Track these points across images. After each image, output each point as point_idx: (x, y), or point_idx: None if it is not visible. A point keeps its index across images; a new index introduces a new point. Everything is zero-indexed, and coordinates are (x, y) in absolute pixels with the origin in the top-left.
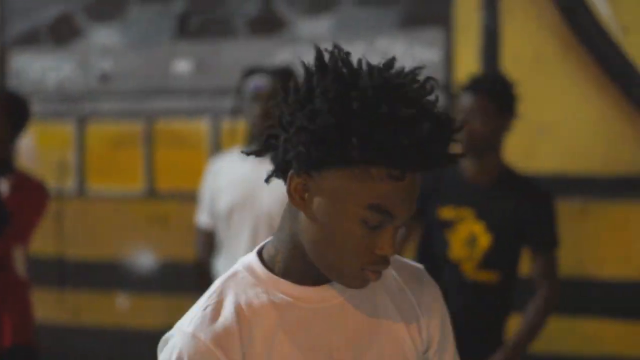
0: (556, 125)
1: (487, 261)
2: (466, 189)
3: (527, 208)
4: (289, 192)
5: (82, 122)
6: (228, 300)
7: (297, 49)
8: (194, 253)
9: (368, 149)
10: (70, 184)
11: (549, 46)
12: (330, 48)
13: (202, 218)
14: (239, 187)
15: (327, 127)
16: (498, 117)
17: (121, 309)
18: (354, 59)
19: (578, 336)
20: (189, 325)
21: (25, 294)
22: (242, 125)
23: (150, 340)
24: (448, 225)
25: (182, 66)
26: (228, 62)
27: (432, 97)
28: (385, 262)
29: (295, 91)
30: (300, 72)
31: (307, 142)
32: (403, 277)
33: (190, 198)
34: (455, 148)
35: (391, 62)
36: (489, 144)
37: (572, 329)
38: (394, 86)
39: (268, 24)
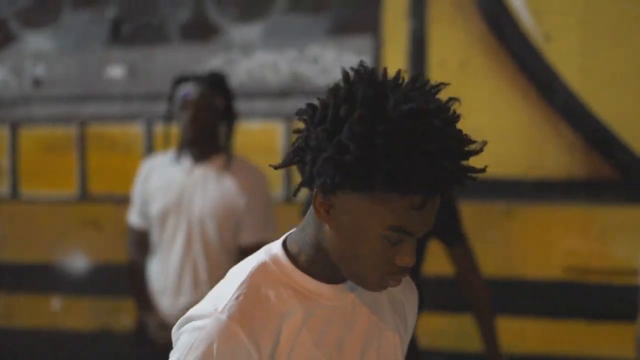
0: (481, 130)
1: None
2: None
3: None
4: (314, 206)
5: (15, 126)
6: (260, 292)
7: (229, 55)
8: (127, 253)
9: (391, 181)
10: (3, 188)
11: (475, 53)
12: (356, 67)
13: (133, 218)
14: (171, 192)
15: (353, 161)
16: None
17: (55, 311)
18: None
19: (502, 334)
20: (222, 311)
21: None
22: (175, 130)
23: (84, 341)
24: None
25: (115, 71)
26: (161, 68)
27: (455, 125)
28: (404, 271)
29: (323, 116)
30: (230, 76)
31: (333, 172)
32: (401, 285)
33: (123, 202)
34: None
35: (418, 78)
36: None
37: (497, 327)
38: (420, 115)
39: (200, 30)
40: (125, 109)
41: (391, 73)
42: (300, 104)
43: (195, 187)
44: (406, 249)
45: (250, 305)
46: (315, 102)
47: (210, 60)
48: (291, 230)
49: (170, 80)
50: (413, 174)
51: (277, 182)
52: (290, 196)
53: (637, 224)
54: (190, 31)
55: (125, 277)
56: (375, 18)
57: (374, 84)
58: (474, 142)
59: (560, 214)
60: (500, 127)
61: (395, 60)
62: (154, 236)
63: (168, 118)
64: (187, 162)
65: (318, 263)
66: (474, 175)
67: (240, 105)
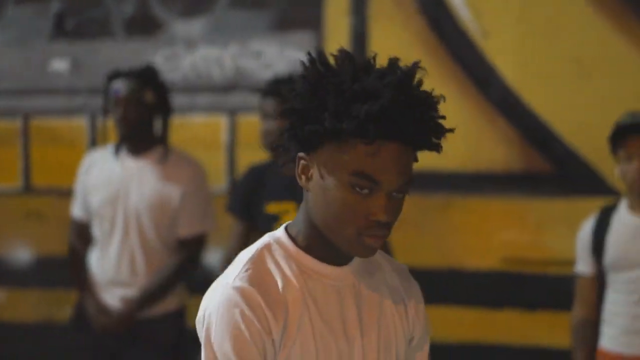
0: None
1: None
2: (287, 182)
3: None
4: (297, 174)
5: None
6: (266, 266)
7: (173, 50)
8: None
9: (340, 121)
10: None
11: (414, 49)
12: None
13: (76, 210)
14: (110, 186)
15: (309, 106)
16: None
17: None
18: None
19: (440, 324)
20: (234, 281)
21: None
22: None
23: (27, 333)
24: (275, 219)
25: (59, 65)
26: (104, 62)
27: (408, 79)
28: (379, 227)
29: (303, 87)
30: (173, 70)
31: (298, 122)
32: (398, 274)
33: (67, 194)
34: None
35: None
36: None
37: (435, 317)
38: (365, 69)
39: (144, 25)
40: (69, 103)
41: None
42: (244, 98)
43: (131, 180)
44: (378, 202)
45: (259, 276)
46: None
47: (154, 55)
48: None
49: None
50: (356, 111)
51: (220, 175)
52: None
53: (572, 215)
54: (134, 26)
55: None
56: (317, 14)
57: (327, 61)
58: (424, 96)
59: (497, 206)
60: None
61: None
62: (94, 229)
63: (104, 113)
64: (124, 156)
65: (314, 240)
66: (422, 127)
67: (184, 100)
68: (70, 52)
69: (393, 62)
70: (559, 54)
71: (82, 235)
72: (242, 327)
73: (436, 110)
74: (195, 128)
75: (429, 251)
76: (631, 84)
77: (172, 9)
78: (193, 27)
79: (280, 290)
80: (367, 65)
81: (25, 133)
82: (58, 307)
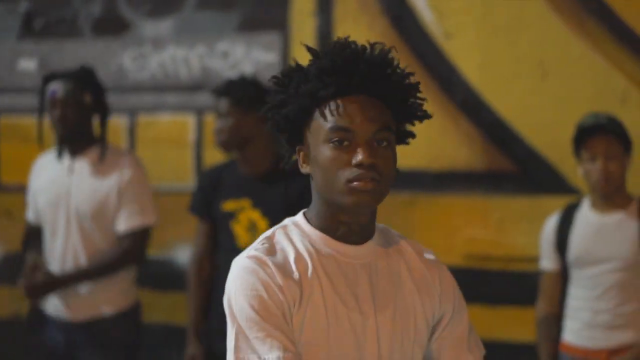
0: None
1: None
2: (243, 181)
3: (294, 189)
4: (300, 166)
5: None
6: (281, 243)
7: (141, 50)
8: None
9: (308, 86)
10: None
11: None
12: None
13: (30, 214)
14: (52, 188)
15: (281, 97)
16: (244, 115)
17: None
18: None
19: None
20: (249, 252)
21: None
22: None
23: None
24: (231, 216)
25: (27, 64)
26: (72, 61)
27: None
28: (364, 169)
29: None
30: (141, 69)
31: (276, 116)
32: (422, 259)
33: None
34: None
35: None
36: (241, 140)
37: None
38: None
39: (112, 25)
40: (37, 101)
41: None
42: (211, 98)
43: (72, 181)
44: (358, 149)
45: (272, 249)
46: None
47: (121, 54)
48: None
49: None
50: (319, 70)
51: (188, 173)
52: None
53: (533, 213)
54: (102, 26)
55: None
56: (282, 15)
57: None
58: (377, 53)
59: (460, 204)
60: None
61: (303, 56)
62: (43, 229)
63: (39, 114)
64: (66, 157)
65: (328, 219)
66: (378, 82)
67: (152, 99)
68: (38, 51)
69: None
70: (520, 56)
71: (33, 238)
72: (260, 288)
73: (391, 65)
74: (163, 126)
75: None
76: (590, 84)
77: (139, 9)
78: (161, 27)
79: (293, 262)
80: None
81: None
82: (26, 303)
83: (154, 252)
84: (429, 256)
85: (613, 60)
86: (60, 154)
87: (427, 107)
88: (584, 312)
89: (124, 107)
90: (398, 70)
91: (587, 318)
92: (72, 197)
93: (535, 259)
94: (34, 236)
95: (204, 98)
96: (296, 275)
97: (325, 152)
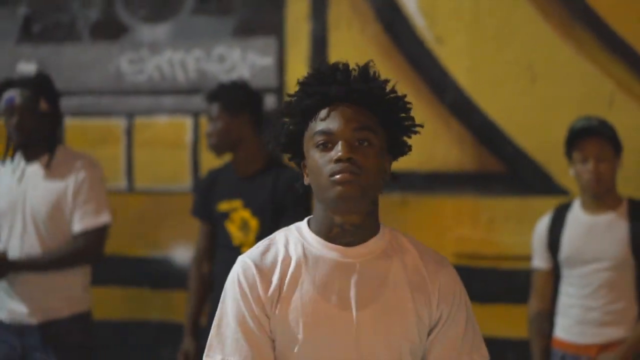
0: None
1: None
2: (235, 182)
3: (282, 184)
4: (304, 178)
5: None
6: (277, 245)
7: (138, 53)
8: None
9: (297, 106)
10: None
11: (371, 54)
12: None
13: None
14: (9, 193)
15: (281, 122)
16: (233, 118)
17: None
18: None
19: None
20: (245, 253)
21: None
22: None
23: None
24: (225, 216)
25: (26, 68)
26: (70, 65)
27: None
28: (342, 163)
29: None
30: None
31: (280, 139)
32: (424, 260)
33: None
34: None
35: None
36: (231, 143)
37: None
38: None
39: (109, 29)
40: None
41: (293, 72)
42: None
43: (26, 186)
44: (337, 147)
45: (263, 251)
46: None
47: (118, 58)
48: None
49: (80, 76)
50: (303, 88)
51: (185, 174)
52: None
53: (522, 213)
54: (100, 30)
55: None
56: (278, 20)
57: None
58: (356, 67)
59: (451, 204)
60: None
61: (298, 60)
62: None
63: None
64: (19, 162)
65: (324, 223)
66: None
67: (149, 101)
68: (37, 55)
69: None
70: (509, 59)
71: None
72: (238, 296)
73: (368, 74)
74: (161, 129)
75: None
76: (577, 88)
77: (137, 14)
78: (158, 32)
79: (280, 262)
80: None
81: None
82: None
83: (151, 251)
84: (434, 257)
85: (600, 64)
86: (12, 160)
87: (419, 110)
88: (575, 309)
89: (122, 109)
90: (377, 80)
91: (578, 315)
92: (27, 201)
93: (523, 258)
94: None
95: (201, 101)
96: (277, 274)
97: (314, 155)
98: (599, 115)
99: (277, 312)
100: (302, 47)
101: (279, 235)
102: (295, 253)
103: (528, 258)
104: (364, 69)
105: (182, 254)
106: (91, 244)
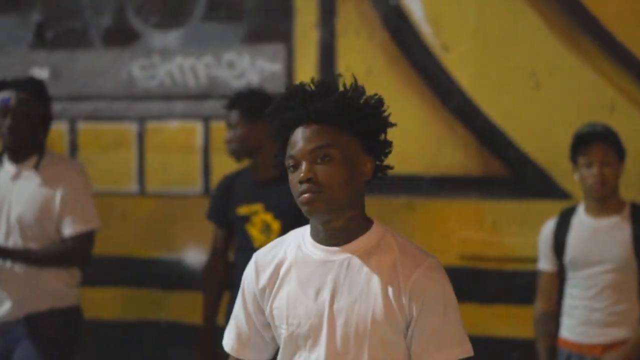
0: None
1: None
2: (255, 187)
3: None
4: None
5: None
6: (283, 244)
7: (150, 59)
8: None
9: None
10: None
11: (379, 61)
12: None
13: None
14: None
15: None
16: (252, 125)
17: None
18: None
19: None
20: (257, 251)
21: None
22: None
23: None
24: (246, 219)
25: (39, 73)
26: (83, 71)
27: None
28: (303, 184)
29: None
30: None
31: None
32: (402, 259)
33: None
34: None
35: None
36: (250, 148)
37: None
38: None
39: (121, 36)
40: None
41: (302, 78)
42: (217, 106)
43: (13, 188)
44: (300, 169)
45: (267, 250)
46: None
47: (130, 64)
48: None
49: (93, 82)
50: (278, 117)
51: (196, 178)
52: (209, 190)
53: (525, 216)
54: (112, 36)
55: None
56: (287, 28)
57: None
58: (316, 85)
59: (456, 207)
60: (402, 128)
61: (306, 67)
62: None
63: None
64: (8, 165)
65: (313, 226)
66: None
67: (161, 106)
68: (50, 61)
69: None
70: (513, 66)
71: None
72: (244, 283)
73: (330, 91)
74: (172, 133)
75: None
76: (579, 94)
77: (148, 21)
78: (169, 38)
79: (278, 259)
80: None
81: None
82: None
83: (163, 253)
84: (414, 257)
85: (602, 71)
86: (1, 161)
87: (424, 115)
88: (579, 310)
89: (134, 114)
90: (335, 94)
91: (582, 316)
92: (14, 204)
93: (527, 259)
94: None
95: (211, 106)
96: (272, 269)
97: (289, 177)
98: (600, 120)
99: (271, 306)
100: (310, 54)
101: (290, 235)
102: (291, 253)
103: (531, 259)
104: (320, 86)
105: (193, 256)
106: (81, 247)
